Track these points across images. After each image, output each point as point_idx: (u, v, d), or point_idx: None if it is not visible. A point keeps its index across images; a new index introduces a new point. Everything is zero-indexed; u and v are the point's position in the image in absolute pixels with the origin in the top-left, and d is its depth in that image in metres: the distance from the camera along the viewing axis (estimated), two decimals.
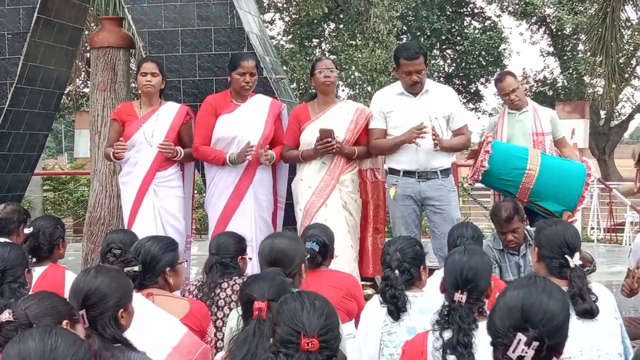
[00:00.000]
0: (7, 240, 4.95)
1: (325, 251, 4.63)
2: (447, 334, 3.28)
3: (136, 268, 3.89)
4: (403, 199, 6.00)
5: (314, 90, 6.25)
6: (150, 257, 3.93)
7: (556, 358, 2.46)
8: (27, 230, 4.71)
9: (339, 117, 5.96)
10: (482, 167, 6.08)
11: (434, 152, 5.94)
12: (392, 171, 6.09)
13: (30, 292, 3.88)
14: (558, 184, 6.09)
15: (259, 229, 5.91)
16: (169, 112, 6.09)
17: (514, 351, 2.37)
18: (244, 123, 5.91)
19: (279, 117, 6.13)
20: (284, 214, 6.28)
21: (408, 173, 5.98)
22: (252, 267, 5.28)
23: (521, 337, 2.37)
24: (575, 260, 3.75)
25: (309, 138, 5.91)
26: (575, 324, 3.61)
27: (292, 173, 6.18)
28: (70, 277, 4.43)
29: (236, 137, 5.93)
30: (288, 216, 6.23)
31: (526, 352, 2.36)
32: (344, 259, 5.61)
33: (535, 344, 2.36)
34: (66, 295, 4.07)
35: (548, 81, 28.65)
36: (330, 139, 5.79)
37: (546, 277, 2.70)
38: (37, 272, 4.53)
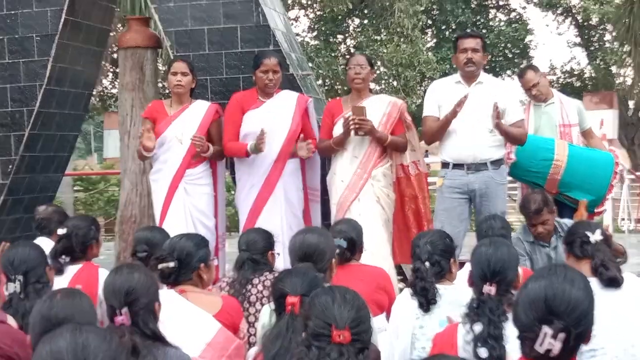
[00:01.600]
0: (47, 239, 5.03)
1: (354, 247, 4.62)
2: (478, 327, 3.27)
3: (171, 264, 3.92)
4: (450, 192, 5.99)
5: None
6: (185, 253, 3.96)
7: (584, 344, 2.44)
8: (60, 231, 4.76)
9: (372, 111, 5.96)
10: (509, 159, 6.07)
11: (481, 143, 5.91)
12: (444, 164, 6.10)
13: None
14: (586, 174, 6.07)
15: (288, 225, 5.92)
16: (199, 110, 6.14)
17: (541, 345, 2.35)
18: (271, 118, 5.94)
19: (305, 111, 6.15)
20: (320, 209, 6.28)
21: (457, 165, 5.98)
22: (283, 262, 5.32)
23: (547, 330, 2.34)
24: (595, 237, 3.88)
25: (340, 131, 5.93)
26: (603, 314, 3.62)
27: (323, 169, 6.20)
28: (103, 275, 4.45)
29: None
30: (327, 212, 6.21)
31: (553, 345, 2.34)
32: (380, 254, 5.62)
33: (562, 335, 2.33)
34: (100, 292, 4.16)
35: (575, 72, 28.40)
36: (362, 117, 5.79)
37: (567, 265, 2.69)
38: (71, 270, 4.59)
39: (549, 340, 2.33)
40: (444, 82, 6.36)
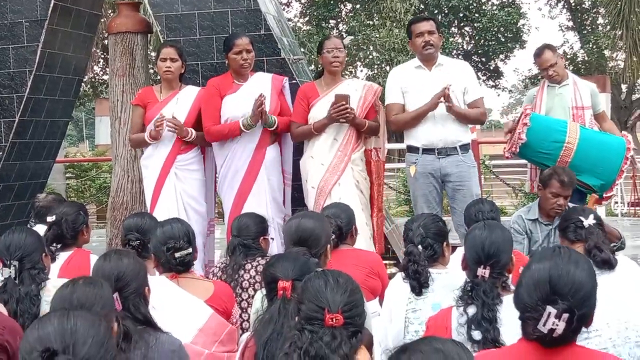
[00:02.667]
0: (44, 227, 5.00)
1: (340, 232, 4.58)
2: (472, 310, 3.27)
3: (190, 250, 3.98)
4: (424, 177, 6.02)
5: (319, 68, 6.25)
6: (194, 239, 4.05)
7: (585, 327, 2.43)
8: (50, 218, 4.73)
9: (348, 93, 5.92)
10: (520, 139, 6.02)
11: (452, 127, 5.97)
12: (411, 149, 6.12)
13: (55, 278, 3.92)
14: (597, 157, 6.02)
15: (273, 210, 5.91)
16: (189, 96, 6.10)
17: (544, 325, 2.35)
18: (249, 101, 5.88)
19: (281, 91, 6.12)
20: (291, 195, 6.24)
21: (427, 150, 6.01)
22: (277, 247, 5.32)
23: (551, 310, 2.35)
24: (589, 221, 3.91)
25: (318, 114, 5.88)
26: (599, 295, 3.62)
27: (297, 154, 6.16)
28: (95, 261, 4.45)
29: (245, 115, 5.90)
30: (296, 197, 6.19)
31: (557, 325, 2.34)
32: (361, 237, 5.60)
33: (566, 315, 2.35)
34: None
35: (568, 56, 28.40)
36: (345, 103, 5.77)
37: (570, 248, 2.69)
38: (62, 257, 4.57)
39: (552, 320, 2.33)
40: (403, 68, 6.39)
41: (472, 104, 6.09)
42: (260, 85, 6.01)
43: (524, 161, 6.84)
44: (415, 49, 6.16)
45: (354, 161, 5.89)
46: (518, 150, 6.07)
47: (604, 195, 6.09)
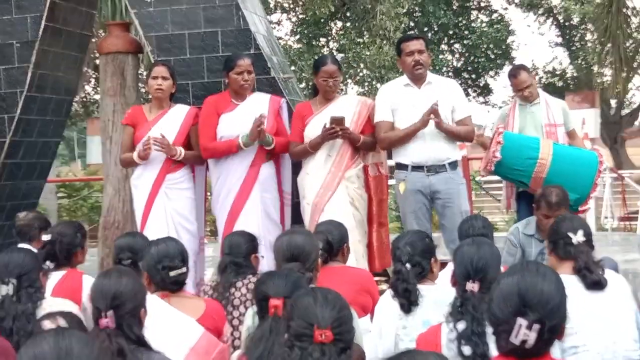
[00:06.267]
0: (28, 246, 5.01)
1: (331, 249, 4.61)
2: (461, 325, 3.30)
3: (185, 269, 4.02)
4: (413, 194, 6.03)
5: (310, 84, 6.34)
6: (187, 257, 4.08)
7: (558, 339, 2.49)
8: (45, 237, 4.74)
9: (342, 110, 5.98)
10: (495, 157, 6.10)
11: (440, 145, 6.00)
12: (400, 166, 6.13)
13: (48, 297, 3.93)
14: (570, 172, 6.10)
15: (266, 228, 5.93)
16: (179, 115, 6.13)
17: (516, 336, 2.40)
18: (245, 121, 5.92)
19: (278, 112, 6.16)
20: (291, 212, 6.28)
21: (416, 168, 6.03)
22: (265, 264, 5.33)
23: (522, 321, 2.40)
24: (577, 238, 3.92)
25: (312, 132, 5.94)
26: (585, 311, 3.65)
27: (295, 171, 6.20)
28: (88, 282, 4.45)
29: (239, 135, 5.95)
30: (297, 214, 6.23)
31: (528, 336, 2.39)
32: (352, 255, 5.63)
33: (536, 326, 2.39)
34: (84, 299, 4.15)
35: (557, 72, 28.53)
36: (343, 126, 5.82)
37: (538, 262, 2.74)
38: (55, 277, 4.56)
39: (524, 331, 2.39)
40: (392, 85, 6.39)
41: (461, 122, 6.12)
42: (257, 105, 6.06)
43: None
44: (405, 68, 6.16)
45: (349, 178, 5.93)
46: (493, 168, 6.15)
47: (580, 208, 6.16)
